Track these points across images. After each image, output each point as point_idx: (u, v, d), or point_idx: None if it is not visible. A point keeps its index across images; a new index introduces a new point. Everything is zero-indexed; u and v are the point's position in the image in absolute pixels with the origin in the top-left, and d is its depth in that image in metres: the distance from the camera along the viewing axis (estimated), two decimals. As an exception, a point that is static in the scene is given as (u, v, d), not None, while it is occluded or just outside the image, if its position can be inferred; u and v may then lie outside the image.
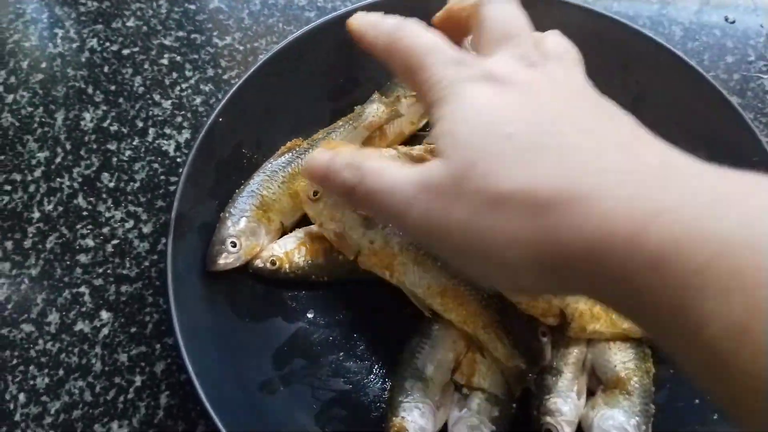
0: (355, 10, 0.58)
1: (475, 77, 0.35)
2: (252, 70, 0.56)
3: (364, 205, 0.38)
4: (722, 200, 0.27)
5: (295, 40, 0.58)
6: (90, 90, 0.68)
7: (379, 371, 0.54)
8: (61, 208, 0.62)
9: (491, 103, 0.34)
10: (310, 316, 0.56)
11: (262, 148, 0.58)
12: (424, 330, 0.53)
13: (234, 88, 0.55)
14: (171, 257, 0.49)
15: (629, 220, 0.27)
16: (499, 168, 0.31)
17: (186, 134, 0.66)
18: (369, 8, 0.59)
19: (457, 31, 0.43)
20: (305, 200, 0.54)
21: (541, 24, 0.61)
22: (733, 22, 0.74)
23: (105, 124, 0.66)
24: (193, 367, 0.46)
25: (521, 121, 0.32)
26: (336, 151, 0.38)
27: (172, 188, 0.63)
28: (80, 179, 0.63)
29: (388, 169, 0.36)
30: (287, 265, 0.54)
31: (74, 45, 0.71)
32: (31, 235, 0.60)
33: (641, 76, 0.61)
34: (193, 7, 0.74)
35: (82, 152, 0.64)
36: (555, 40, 0.39)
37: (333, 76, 0.62)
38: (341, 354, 0.54)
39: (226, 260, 0.52)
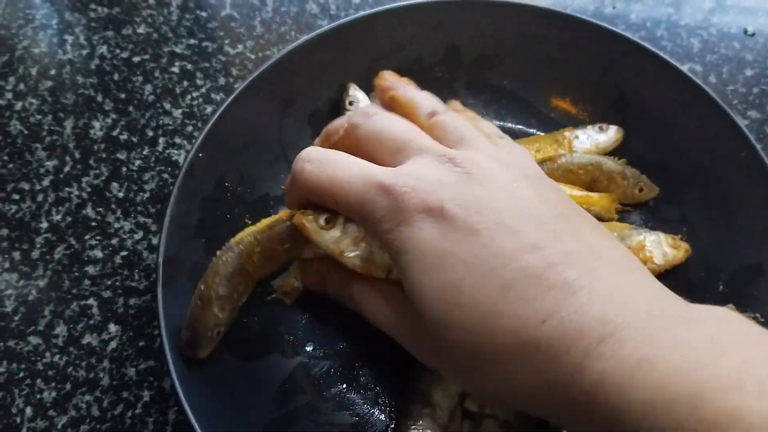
0: (344, 24, 0.59)
1: (415, 210, 0.37)
2: (228, 101, 0.55)
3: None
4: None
5: (271, 66, 0.57)
6: (100, 98, 0.67)
7: (385, 401, 0.52)
8: (69, 219, 0.61)
9: (443, 250, 0.36)
10: (309, 349, 0.54)
11: (245, 180, 0.57)
12: None
13: (210, 123, 0.54)
14: (162, 303, 0.48)
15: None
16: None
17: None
18: (365, 20, 0.60)
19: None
20: (316, 230, 0.48)
21: (520, 31, 0.61)
22: (753, 35, 0.73)
23: (114, 133, 0.65)
24: (193, 413, 0.44)
25: (479, 281, 0.34)
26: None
27: (182, 199, 0.62)
28: (89, 189, 0.62)
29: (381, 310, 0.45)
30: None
31: (84, 52, 0.70)
32: (39, 245, 0.60)
33: (621, 78, 0.61)
34: (204, 14, 0.73)
35: (91, 161, 0.64)
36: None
37: (312, 100, 0.61)
38: (344, 386, 0.53)
39: (210, 348, 0.50)
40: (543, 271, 0.33)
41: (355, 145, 0.46)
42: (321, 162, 0.43)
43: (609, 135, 0.61)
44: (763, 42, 0.72)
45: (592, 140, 0.60)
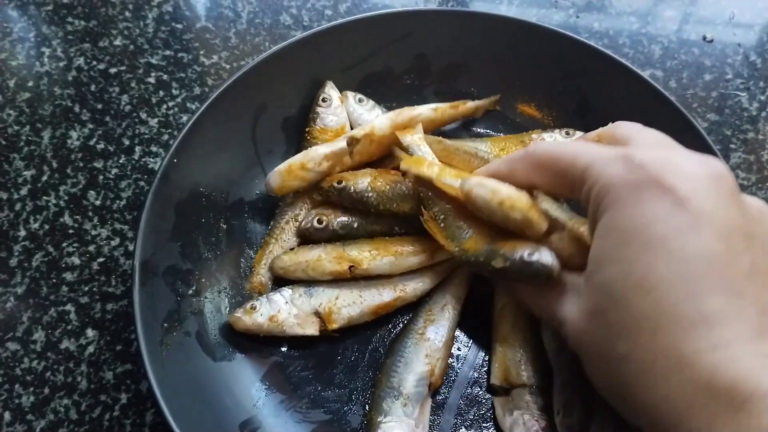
0: (314, 33, 0.61)
1: (648, 181, 0.35)
2: (202, 108, 0.56)
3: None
4: None
5: (244, 74, 0.59)
6: (77, 108, 0.69)
7: (357, 397, 0.54)
8: (47, 226, 0.62)
9: (656, 230, 0.34)
10: (283, 349, 0.55)
11: (220, 185, 0.58)
12: (397, 348, 0.54)
13: (186, 128, 0.55)
14: (138, 305, 0.49)
15: None
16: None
17: (172, 152, 0.66)
18: (335, 30, 0.61)
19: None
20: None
21: (486, 40, 0.63)
22: (711, 41, 0.76)
23: (91, 143, 0.66)
24: (171, 413, 0.46)
25: (671, 278, 0.33)
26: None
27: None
28: (66, 197, 0.63)
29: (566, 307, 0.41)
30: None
31: (61, 64, 0.72)
32: (17, 253, 0.61)
33: (584, 84, 0.63)
34: (180, 26, 0.75)
35: (68, 170, 0.65)
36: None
37: (285, 107, 0.62)
38: (318, 385, 0.54)
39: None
40: (735, 298, 0.32)
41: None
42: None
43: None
44: (721, 48, 0.75)
45: None
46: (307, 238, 0.58)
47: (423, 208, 0.53)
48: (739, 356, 0.31)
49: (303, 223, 0.58)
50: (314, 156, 0.57)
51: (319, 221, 0.57)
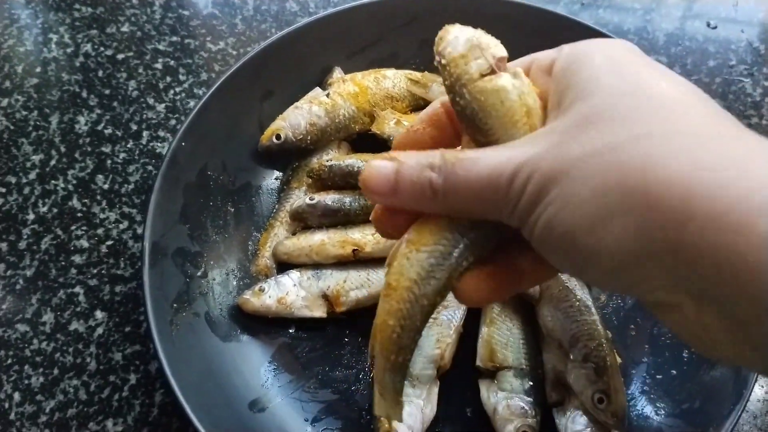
0: (320, 18, 0.61)
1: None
2: (210, 92, 0.57)
3: (456, 204, 0.33)
4: None
5: (251, 59, 0.59)
6: (84, 94, 0.69)
7: (365, 377, 0.54)
8: (55, 210, 0.62)
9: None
10: (291, 330, 0.56)
11: (228, 169, 0.59)
12: None
13: (193, 112, 0.56)
14: (148, 286, 0.50)
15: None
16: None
17: (180, 137, 0.67)
18: (340, 15, 0.62)
19: None
20: None
21: (492, 25, 0.63)
22: (715, 28, 0.76)
23: (99, 128, 0.67)
24: (181, 392, 0.46)
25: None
26: (401, 157, 0.33)
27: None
28: (75, 181, 0.64)
29: (482, 157, 0.32)
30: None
31: (68, 50, 0.72)
32: (25, 236, 0.61)
33: None
34: (186, 12, 0.75)
35: (76, 155, 0.65)
36: None
37: (291, 92, 0.62)
38: (326, 365, 0.55)
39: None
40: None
41: None
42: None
43: None
44: (725, 35, 0.75)
45: None
46: (301, 219, 0.58)
47: None
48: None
49: (295, 204, 0.58)
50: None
51: (311, 198, 0.58)
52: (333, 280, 0.55)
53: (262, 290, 0.55)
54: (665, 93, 0.29)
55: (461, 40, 0.34)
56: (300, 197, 0.58)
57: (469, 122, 0.34)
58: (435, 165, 0.32)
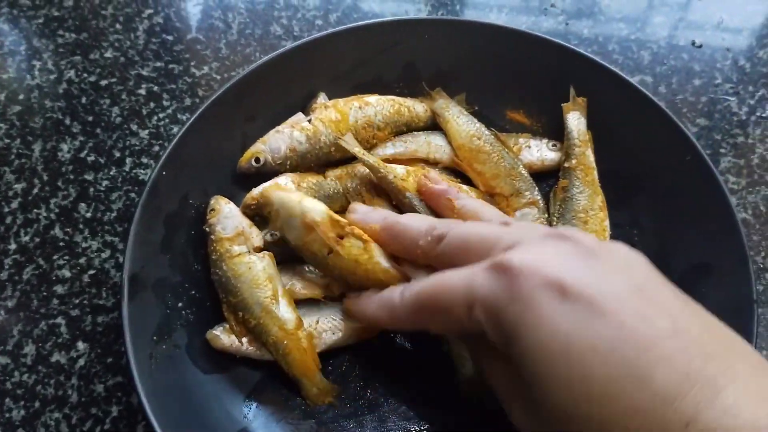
0: (304, 43, 0.61)
1: (533, 287, 0.34)
2: (192, 119, 0.56)
3: None
4: None
5: (234, 85, 0.59)
6: (67, 121, 0.69)
7: (349, 408, 0.54)
8: (38, 239, 0.62)
9: (569, 336, 0.32)
10: (273, 360, 0.54)
11: (210, 196, 0.57)
12: None
13: (174, 141, 0.55)
14: (127, 320, 0.49)
15: None
16: None
17: (163, 163, 0.66)
18: (324, 40, 0.62)
19: None
20: None
21: (474, 47, 0.63)
22: (700, 47, 0.76)
23: (82, 155, 0.67)
24: (161, 428, 0.45)
25: (611, 373, 0.31)
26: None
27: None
28: (57, 210, 0.63)
29: None
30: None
31: (52, 76, 0.72)
32: (7, 266, 0.60)
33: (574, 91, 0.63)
34: (170, 37, 0.75)
35: (59, 183, 0.65)
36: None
37: (274, 117, 0.62)
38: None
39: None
40: (685, 364, 0.30)
41: (440, 254, 0.44)
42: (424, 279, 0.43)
43: (557, 155, 0.63)
44: (710, 53, 0.75)
45: (540, 154, 0.63)
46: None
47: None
48: (736, 408, 0.28)
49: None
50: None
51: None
52: (306, 320, 0.54)
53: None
54: None
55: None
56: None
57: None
58: None
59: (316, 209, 0.50)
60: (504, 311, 0.35)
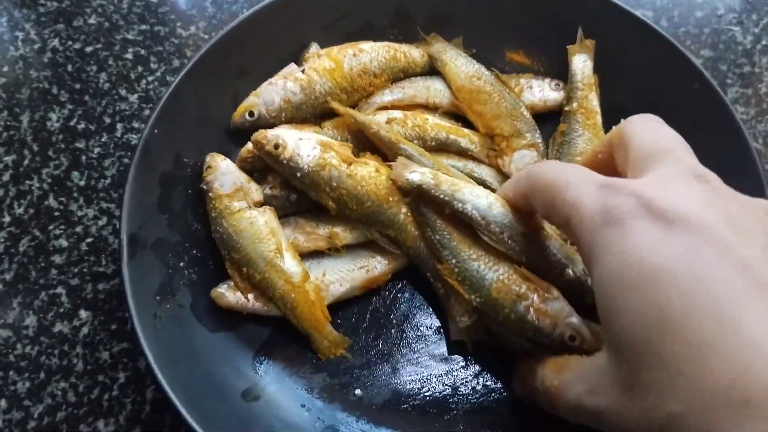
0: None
1: (632, 211, 0.32)
2: (180, 75, 0.55)
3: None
4: None
5: (221, 39, 0.57)
6: (54, 90, 0.67)
7: (361, 359, 0.53)
8: (32, 211, 0.60)
9: (652, 264, 0.30)
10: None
11: (205, 153, 0.55)
12: None
13: (164, 98, 0.53)
14: (128, 280, 0.48)
15: None
16: (667, 384, 0.29)
17: (155, 127, 0.64)
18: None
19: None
20: None
21: None
22: (701, -23, 0.74)
23: (72, 123, 0.65)
24: (170, 387, 0.44)
25: (690, 306, 0.29)
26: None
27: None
28: (50, 180, 0.62)
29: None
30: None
31: (36, 46, 0.70)
32: (2, 239, 0.59)
33: (575, 27, 0.61)
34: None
35: (50, 153, 0.63)
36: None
37: (266, 70, 0.60)
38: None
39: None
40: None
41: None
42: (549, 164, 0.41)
43: (560, 95, 0.61)
44: (711, -17, 0.73)
45: (543, 95, 0.61)
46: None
47: (437, 259, 0.50)
48: None
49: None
50: None
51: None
52: (312, 273, 0.53)
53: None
54: None
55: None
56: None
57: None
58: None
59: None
60: (594, 230, 0.34)
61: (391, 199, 0.50)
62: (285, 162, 0.51)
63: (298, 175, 0.51)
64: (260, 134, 0.52)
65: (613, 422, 0.33)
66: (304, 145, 0.51)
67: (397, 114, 0.56)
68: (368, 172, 0.51)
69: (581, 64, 0.60)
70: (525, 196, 0.44)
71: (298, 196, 0.54)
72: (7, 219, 0.60)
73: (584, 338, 0.43)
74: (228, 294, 0.52)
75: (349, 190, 0.50)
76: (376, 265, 0.54)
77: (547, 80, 0.62)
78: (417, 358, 0.52)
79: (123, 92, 0.66)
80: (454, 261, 0.49)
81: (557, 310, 0.45)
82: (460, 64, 0.60)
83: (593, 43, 0.60)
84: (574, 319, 0.44)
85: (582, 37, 0.60)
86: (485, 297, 0.47)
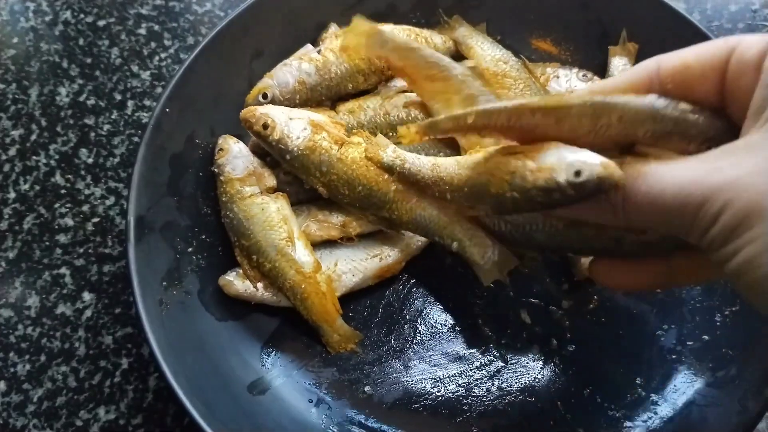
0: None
1: None
2: (195, 53, 0.52)
3: (636, 221, 0.32)
4: None
5: (237, 18, 0.54)
6: (65, 64, 0.65)
7: (371, 354, 0.51)
8: (38, 187, 0.59)
9: None
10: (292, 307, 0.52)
11: (217, 135, 0.54)
12: None
13: (177, 76, 0.51)
14: (134, 263, 0.46)
15: None
16: None
17: (167, 106, 0.62)
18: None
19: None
20: None
21: None
22: (737, -30, 0.71)
23: (81, 99, 0.63)
24: (174, 377, 0.43)
25: None
26: None
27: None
28: (57, 156, 0.60)
29: (669, 173, 0.30)
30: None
31: (47, 18, 0.68)
32: (7, 216, 0.57)
33: (604, 14, 0.59)
34: (170, -26, 0.70)
35: (58, 128, 0.61)
36: None
37: (282, 51, 0.57)
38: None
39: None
40: None
41: None
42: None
43: (588, 86, 0.58)
44: (747, -23, 0.70)
45: (570, 85, 0.58)
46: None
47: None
48: None
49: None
50: None
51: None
52: (324, 263, 0.51)
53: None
54: None
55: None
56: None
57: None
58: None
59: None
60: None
61: (380, 179, 0.47)
62: (274, 144, 0.49)
63: (287, 157, 0.49)
64: (249, 111, 0.50)
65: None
66: (294, 126, 0.49)
67: (417, 99, 0.54)
68: (359, 154, 0.48)
69: (621, 67, 0.58)
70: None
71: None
72: (12, 195, 0.58)
73: (589, 166, 0.34)
74: (236, 282, 0.50)
75: (339, 175, 0.48)
76: (390, 253, 0.52)
77: (575, 70, 0.59)
78: (430, 356, 0.50)
79: (135, 68, 0.64)
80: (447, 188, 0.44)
81: (553, 161, 0.36)
82: (486, 47, 0.58)
83: (636, 47, 0.58)
84: (571, 156, 0.35)
85: (625, 38, 0.58)
86: (488, 197, 0.41)
